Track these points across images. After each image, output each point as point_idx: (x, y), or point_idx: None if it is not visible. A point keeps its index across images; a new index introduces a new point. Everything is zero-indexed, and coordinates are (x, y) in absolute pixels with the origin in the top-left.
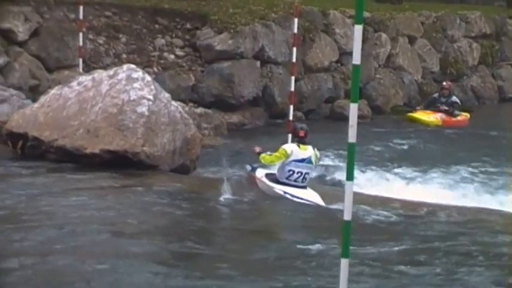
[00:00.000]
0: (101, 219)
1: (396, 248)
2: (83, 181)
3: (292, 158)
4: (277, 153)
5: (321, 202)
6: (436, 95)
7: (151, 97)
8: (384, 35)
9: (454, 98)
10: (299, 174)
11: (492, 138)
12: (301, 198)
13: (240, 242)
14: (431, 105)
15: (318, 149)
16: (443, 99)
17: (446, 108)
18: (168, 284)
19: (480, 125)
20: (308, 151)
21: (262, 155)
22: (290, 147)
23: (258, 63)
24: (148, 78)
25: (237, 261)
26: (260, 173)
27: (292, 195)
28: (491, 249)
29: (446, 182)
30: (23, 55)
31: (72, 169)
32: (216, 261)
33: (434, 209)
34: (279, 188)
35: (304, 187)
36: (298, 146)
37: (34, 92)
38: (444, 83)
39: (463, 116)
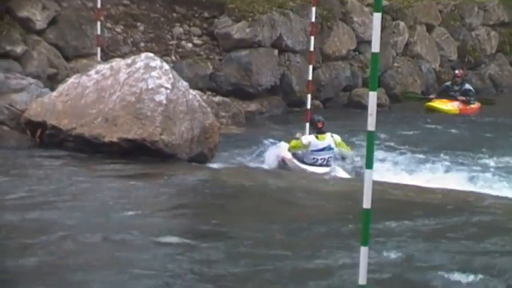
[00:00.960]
0: (119, 205)
1: (416, 237)
2: (101, 169)
3: (311, 148)
4: (295, 143)
5: (344, 175)
6: (448, 83)
7: (169, 86)
8: (401, 23)
9: (468, 86)
10: (322, 160)
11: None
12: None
13: (262, 225)
14: (444, 94)
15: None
16: (456, 87)
17: (464, 98)
18: (189, 259)
19: (500, 113)
20: (326, 140)
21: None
22: (307, 138)
23: (276, 51)
24: (166, 66)
25: (259, 242)
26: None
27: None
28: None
29: (471, 169)
30: (41, 44)
31: (90, 157)
32: (237, 242)
33: (460, 197)
34: (302, 165)
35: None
36: (317, 137)
37: (52, 81)
38: (457, 71)
39: (477, 104)
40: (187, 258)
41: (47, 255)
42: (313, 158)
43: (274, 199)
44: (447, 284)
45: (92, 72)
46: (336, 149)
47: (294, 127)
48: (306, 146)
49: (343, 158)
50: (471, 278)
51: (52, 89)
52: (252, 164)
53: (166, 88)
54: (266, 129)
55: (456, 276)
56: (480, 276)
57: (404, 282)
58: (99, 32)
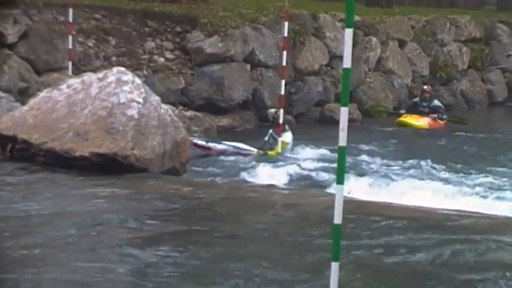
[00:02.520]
0: (90, 219)
1: (389, 253)
2: (72, 184)
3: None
4: (279, 148)
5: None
6: (417, 99)
7: (141, 100)
8: (374, 39)
9: (437, 102)
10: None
11: (484, 141)
12: None
13: (229, 236)
14: (413, 109)
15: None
16: (424, 103)
17: (436, 116)
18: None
19: (471, 128)
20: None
21: (269, 152)
22: (286, 137)
23: (248, 66)
24: (138, 81)
25: (226, 252)
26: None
27: None
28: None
29: (442, 184)
30: (12, 58)
31: (61, 172)
32: (204, 248)
33: (429, 215)
34: None
35: None
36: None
37: (23, 95)
38: (425, 87)
39: (446, 120)
40: (154, 265)
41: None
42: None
43: (243, 210)
44: None
45: (63, 86)
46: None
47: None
48: (287, 143)
49: None
50: None
51: (23, 103)
52: (223, 178)
53: (138, 102)
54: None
55: None
56: None
57: None
58: (70, 46)
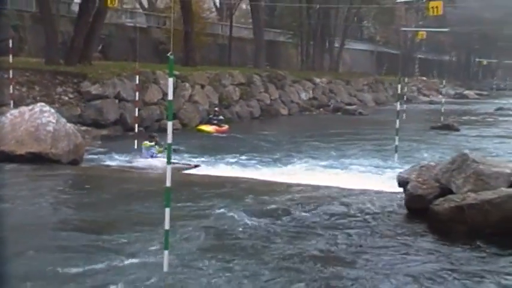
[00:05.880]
0: (27, 192)
1: (213, 205)
2: (15, 171)
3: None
4: (147, 144)
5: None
6: (211, 115)
7: (54, 121)
8: (187, 84)
9: (221, 117)
10: (153, 153)
11: (246, 139)
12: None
13: (106, 200)
14: (209, 122)
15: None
16: (215, 118)
17: (219, 125)
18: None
19: (240, 132)
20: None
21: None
22: (147, 144)
23: (117, 101)
24: (52, 110)
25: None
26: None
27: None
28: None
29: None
30: None
31: (9, 164)
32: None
33: (237, 180)
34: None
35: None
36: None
37: None
38: (216, 109)
39: (226, 126)
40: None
41: None
42: (150, 152)
43: (116, 185)
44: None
45: (8, 114)
46: (155, 150)
47: (128, 143)
48: (149, 145)
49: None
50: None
51: None
52: (107, 163)
53: (53, 123)
54: (114, 144)
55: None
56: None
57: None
58: (11, 91)
